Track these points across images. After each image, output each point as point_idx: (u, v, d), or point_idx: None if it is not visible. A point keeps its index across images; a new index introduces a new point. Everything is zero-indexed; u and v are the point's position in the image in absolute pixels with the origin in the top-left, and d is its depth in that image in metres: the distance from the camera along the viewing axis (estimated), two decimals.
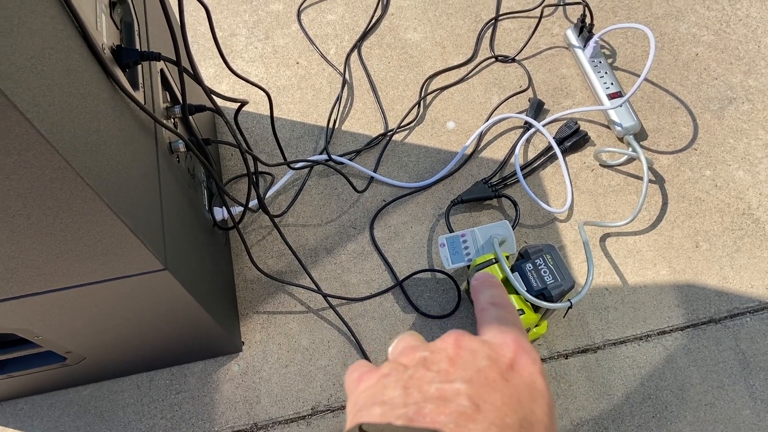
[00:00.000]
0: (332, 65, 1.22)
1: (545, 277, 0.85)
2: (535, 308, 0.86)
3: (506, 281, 0.87)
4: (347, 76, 1.21)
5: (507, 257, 0.92)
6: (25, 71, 0.41)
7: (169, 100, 0.83)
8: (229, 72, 1.22)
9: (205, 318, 0.80)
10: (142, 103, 0.65)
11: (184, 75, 0.70)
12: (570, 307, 0.86)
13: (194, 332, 0.85)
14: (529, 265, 0.86)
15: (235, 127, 0.99)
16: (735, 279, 1.04)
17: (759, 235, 1.07)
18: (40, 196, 0.47)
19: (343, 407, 0.97)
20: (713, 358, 0.99)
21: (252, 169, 1.06)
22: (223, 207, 0.95)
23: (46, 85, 0.44)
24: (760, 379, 0.98)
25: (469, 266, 0.94)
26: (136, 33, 0.70)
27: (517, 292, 0.86)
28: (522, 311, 0.85)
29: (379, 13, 1.27)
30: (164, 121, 0.68)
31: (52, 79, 0.45)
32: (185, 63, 0.72)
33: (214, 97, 0.75)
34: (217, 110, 0.77)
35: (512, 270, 0.88)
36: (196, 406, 0.96)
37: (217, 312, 0.85)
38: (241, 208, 0.99)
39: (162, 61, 0.79)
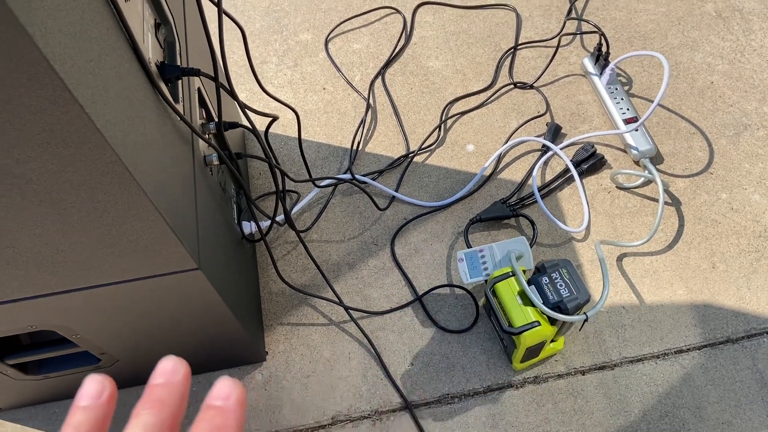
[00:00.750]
0: (357, 91, 1.27)
1: (561, 291, 0.88)
2: (552, 321, 0.89)
3: (523, 294, 0.90)
4: (371, 101, 1.26)
5: (524, 272, 0.94)
6: (86, 72, 0.46)
7: (204, 117, 0.89)
8: (259, 96, 1.28)
9: (232, 322, 0.83)
10: (182, 114, 0.70)
11: (220, 93, 0.75)
12: (586, 320, 0.88)
13: (221, 337, 0.88)
14: (545, 279, 0.89)
15: (265, 142, 1.04)
16: (752, 300, 1.05)
17: None
18: (91, 189, 0.52)
19: (364, 417, 0.99)
20: (730, 377, 1.00)
21: (280, 185, 1.11)
22: (251, 221, 0.99)
23: (102, 86, 0.49)
24: None
25: (486, 281, 0.97)
26: (177, 52, 0.75)
27: (533, 305, 0.88)
28: (538, 323, 0.87)
29: (402, 42, 1.33)
30: (201, 134, 0.74)
31: (107, 81, 0.50)
32: (222, 79, 0.77)
33: (248, 112, 0.80)
34: (252, 129, 0.82)
35: (529, 283, 0.90)
36: None
37: (244, 317, 0.89)
38: (268, 222, 1.03)
39: (199, 81, 0.85)
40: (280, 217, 1.08)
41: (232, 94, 0.75)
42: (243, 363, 1.02)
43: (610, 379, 1.00)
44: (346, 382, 1.01)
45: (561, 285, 0.88)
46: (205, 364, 0.99)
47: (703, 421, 0.97)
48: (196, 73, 0.71)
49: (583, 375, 1.01)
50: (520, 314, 0.88)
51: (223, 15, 0.71)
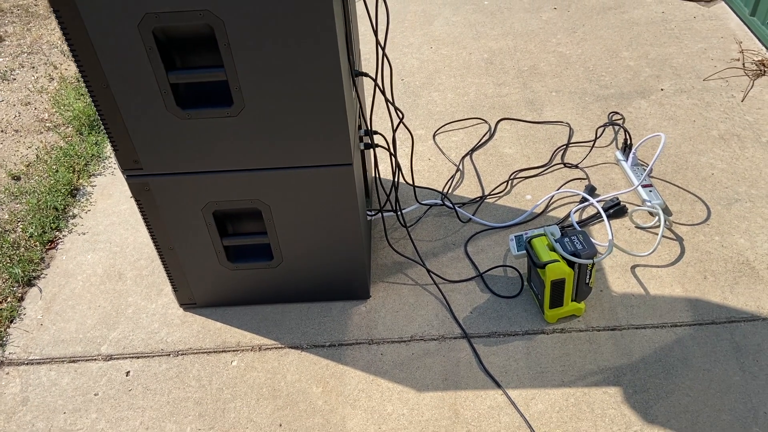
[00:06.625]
0: (451, 161, 1.84)
1: (577, 246, 1.30)
2: (570, 264, 1.30)
3: (551, 247, 1.33)
4: (460, 167, 1.82)
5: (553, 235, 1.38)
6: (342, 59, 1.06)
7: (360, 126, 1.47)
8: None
9: (357, 233, 1.32)
10: (358, 98, 1.28)
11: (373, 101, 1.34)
12: (593, 264, 1.29)
13: (347, 258, 1.36)
14: (567, 239, 1.33)
15: (394, 144, 1.60)
16: (733, 300, 1.40)
17: (754, 276, 1.44)
18: (314, 84, 1.09)
19: (433, 339, 1.38)
20: (712, 343, 1.32)
21: (396, 180, 1.64)
22: (372, 212, 1.52)
23: (342, 35, 1.08)
24: (749, 359, 1.28)
25: (527, 252, 1.41)
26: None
27: (557, 251, 1.31)
28: (558, 260, 1.29)
29: (486, 137, 1.92)
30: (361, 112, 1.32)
31: (341, 31, 1.10)
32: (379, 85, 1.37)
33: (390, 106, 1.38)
34: (392, 142, 1.39)
35: (556, 242, 1.34)
36: (335, 325, 1.43)
37: (362, 247, 1.37)
38: (386, 209, 1.55)
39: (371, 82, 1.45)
40: (389, 214, 1.60)
41: (384, 94, 1.34)
42: (354, 297, 1.47)
43: (619, 336, 1.36)
44: (423, 318, 1.43)
45: (577, 243, 1.31)
46: (328, 294, 1.45)
47: (688, 367, 1.29)
48: (367, 74, 1.31)
49: (599, 331, 1.37)
50: (546, 256, 1.31)
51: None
